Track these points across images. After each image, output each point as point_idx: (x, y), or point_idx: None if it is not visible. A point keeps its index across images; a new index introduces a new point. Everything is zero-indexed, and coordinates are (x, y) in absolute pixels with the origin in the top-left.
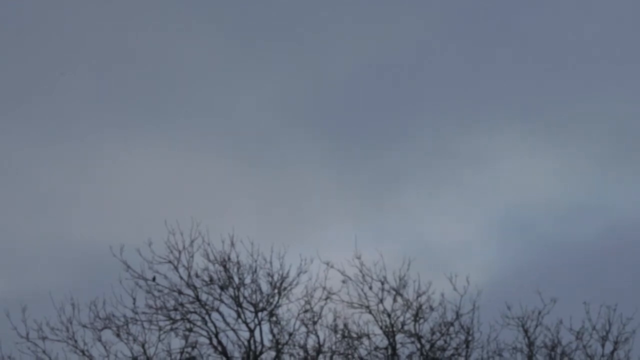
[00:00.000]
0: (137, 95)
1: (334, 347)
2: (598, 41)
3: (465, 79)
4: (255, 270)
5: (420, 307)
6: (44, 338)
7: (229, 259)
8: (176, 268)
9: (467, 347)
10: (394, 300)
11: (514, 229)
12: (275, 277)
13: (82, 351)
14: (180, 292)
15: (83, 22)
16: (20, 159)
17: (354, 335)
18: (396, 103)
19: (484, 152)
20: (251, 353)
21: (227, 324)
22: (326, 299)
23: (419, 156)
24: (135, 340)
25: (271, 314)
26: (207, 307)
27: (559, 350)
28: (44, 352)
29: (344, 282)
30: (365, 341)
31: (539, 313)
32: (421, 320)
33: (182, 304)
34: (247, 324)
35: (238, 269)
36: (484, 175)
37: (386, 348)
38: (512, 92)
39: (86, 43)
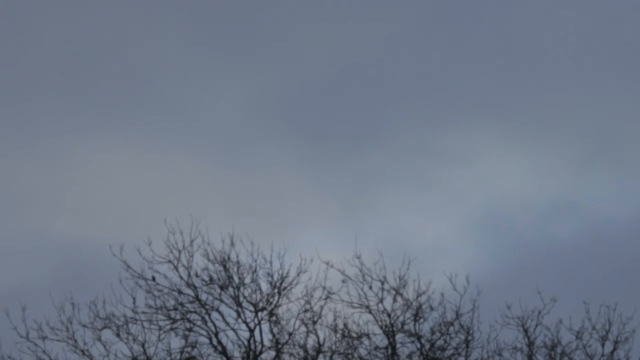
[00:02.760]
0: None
1: (333, 347)
2: (577, 44)
3: (443, 80)
4: (255, 270)
5: (420, 306)
6: (43, 338)
7: (229, 258)
8: (176, 268)
9: (467, 346)
10: (394, 300)
11: (492, 228)
12: (275, 277)
13: (82, 351)
14: (180, 292)
15: (77, 22)
16: (14, 157)
17: (354, 335)
18: (374, 104)
19: (462, 152)
20: (251, 353)
21: (227, 323)
22: (326, 298)
23: (398, 156)
24: (135, 340)
25: (271, 314)
26: (207, 306)
27: (558, 349)
28: (43, 351)
29: (343, 281)
30: (365, 341)
31: (539, 313)
32: (421, 320)
33: (182, 304)
34: (247, 324)
35: (238, 268)
36: (463, 175)
37: (386, 348)
38: (491, 93)
39: (79, 43)
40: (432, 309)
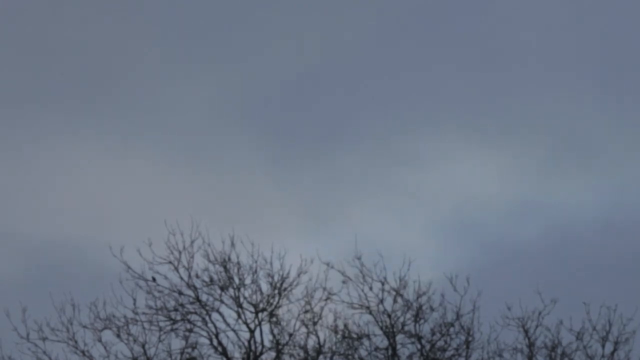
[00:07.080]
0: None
1: (334, 348)
2: (540, 46)
3: (409, 83)
4: (256, 271)
5: (420, 307)
6: (44, 339)
7: (229, 259)
8: (176, 269)
9: (468, 347)
10: (394, 300)
11: (458, 230)
12: (276, 278)
13: (83, 352)
14: (180, 293)
15: (50, 24)
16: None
17: (354, 336)
18: (339, 107)
19: (427, 154)
20: (251, 354)
21: (228, 324)
22: (326, 299)
23: (364, 159)
24: (135, 340)
25: (271, 315)
26: (207, 307)
27: (559, 350)
28: (44, 352)
29: (344, 282)
30: (366, 342)
31: (539, 313)
32: (421, 321)
33: (182, 305)
34: (247, 325)
35: (238, 269)
36: (428, 177)
37: (386, 349)
38: (455, 95)
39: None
40: (432, 309)
